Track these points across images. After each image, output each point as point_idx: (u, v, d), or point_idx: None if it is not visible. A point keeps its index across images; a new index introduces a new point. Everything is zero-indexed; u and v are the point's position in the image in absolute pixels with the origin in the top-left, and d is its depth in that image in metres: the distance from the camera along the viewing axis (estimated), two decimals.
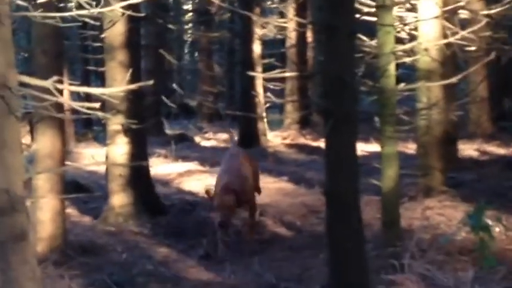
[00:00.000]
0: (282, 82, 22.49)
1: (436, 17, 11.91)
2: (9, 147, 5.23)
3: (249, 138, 20.27)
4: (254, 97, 20.53)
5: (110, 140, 12.23)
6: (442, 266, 7.00)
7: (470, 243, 8.41)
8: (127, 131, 12.03)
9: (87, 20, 9.46)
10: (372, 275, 7.46)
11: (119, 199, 12.20)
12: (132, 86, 10.99)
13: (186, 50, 33.58)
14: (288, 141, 20.89)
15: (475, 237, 7.86)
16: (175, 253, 10.76)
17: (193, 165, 17.55)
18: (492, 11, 13.29)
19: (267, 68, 21.38)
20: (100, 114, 10.87)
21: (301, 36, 21.60)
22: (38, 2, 8.10)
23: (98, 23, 11.94)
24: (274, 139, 20.88)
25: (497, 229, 9.21)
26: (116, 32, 11.97)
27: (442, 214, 10.82)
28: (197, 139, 22.97)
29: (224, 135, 23.09)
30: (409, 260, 6.47)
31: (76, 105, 8.63)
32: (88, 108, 9.26)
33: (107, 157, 12.31)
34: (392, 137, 9.57)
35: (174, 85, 27.82)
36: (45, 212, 10.45)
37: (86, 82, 20.27)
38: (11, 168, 5.25)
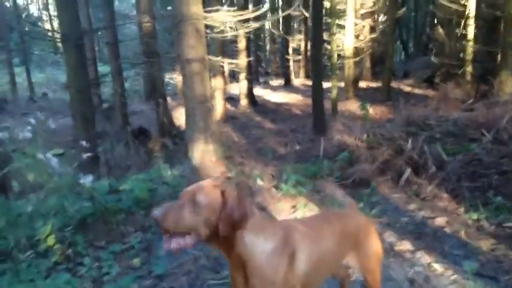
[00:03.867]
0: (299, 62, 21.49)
1: (351, 38, 11.41)
2: (205, 80, 5.32)
3: (287, 81, 19.54)
4: (289, 67, 19.71)
5: (240, 80, 12.14)
6: (351, 121, 7.03)
7: (361, 115, 8.29)
8: (246, 77, 11.92)
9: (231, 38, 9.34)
10: (326, 126, 7.44)
11: (244, 101, 12.34)
12: (246, 60, 11.00)
13: (267, 52, 32.23)
14: (302, 82, 20.09)
15: (363, 113, 7.77)
16: (262, 119, 10.94)
17: (269, 91, 17.18)
18: (372, 36, 12.59)
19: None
20: (239, 69, 10.79)
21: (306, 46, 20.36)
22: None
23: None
24: (297, 82, 20.10)
25: (371, 110, 9.05)
26: (242, 43, 11.71)
27: (353, 105, 10.64)
28: (271, 82, 22.26)
29: (279, 81, 22.32)
30: (339, 119, 6.45)
31: (229, 66, 8.56)
32: (234, 67, 9.15)
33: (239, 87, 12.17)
34: (335, 78, 9.53)
35: (263, 64, 26.85)
36: (218, 104, 10.67)
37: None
38: (206, 87, 5.35)
